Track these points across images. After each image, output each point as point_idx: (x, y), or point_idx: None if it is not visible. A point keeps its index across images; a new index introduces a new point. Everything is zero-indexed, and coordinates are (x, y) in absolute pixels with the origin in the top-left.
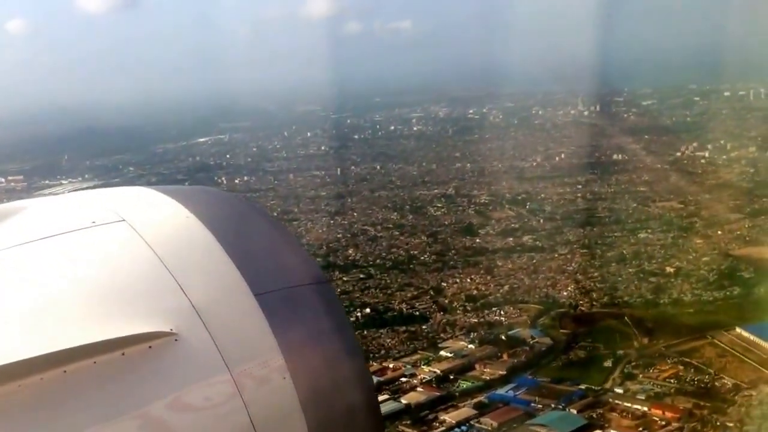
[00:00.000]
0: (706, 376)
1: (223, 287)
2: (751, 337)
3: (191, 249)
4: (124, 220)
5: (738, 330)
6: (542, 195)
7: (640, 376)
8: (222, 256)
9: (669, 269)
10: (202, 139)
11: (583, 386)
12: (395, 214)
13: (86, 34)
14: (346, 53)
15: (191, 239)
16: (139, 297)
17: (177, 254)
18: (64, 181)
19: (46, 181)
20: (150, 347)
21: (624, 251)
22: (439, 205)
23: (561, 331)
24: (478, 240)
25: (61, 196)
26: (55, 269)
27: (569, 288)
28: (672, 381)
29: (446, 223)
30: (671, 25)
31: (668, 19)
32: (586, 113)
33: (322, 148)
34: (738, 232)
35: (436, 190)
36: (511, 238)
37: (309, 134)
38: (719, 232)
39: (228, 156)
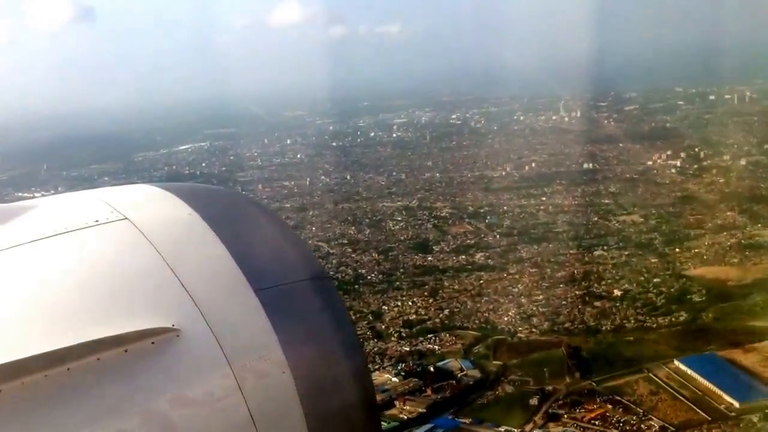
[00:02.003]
0: (634, 417)
1: (223, 283)
2: (689, 371)
3: (192, 246)
4: (126, 218)
5: (676, 363)
6: (504, 208)
7: (565, 416)
8: (223, 252)
9: (617, 292)
10: (183, 147)
11: (502, 429)
12: (353, 228)
13: (71, 42)
14: (338, 57)
15: (192, 236)
16: (142, 294)
17: (178, 251)
18: (36, 194)
19: (18, 194)
20: (152, 343)
21: (575, 271)
22: (399, 218)
23: (493, 362)
24: (429, 258)
25: (64, 195)
26: (59, 267)
27: (511, 312)
28: (597, 423)
29: (402, 238)
30: (663, 26)
31: (660, 21)
32: (566, 119)
33: (298, 156)
34: (696, 250)
35: (399, 203)
36: (463, 256)
37: (289, 141)
38: (677, 250)
39: (204, 164)
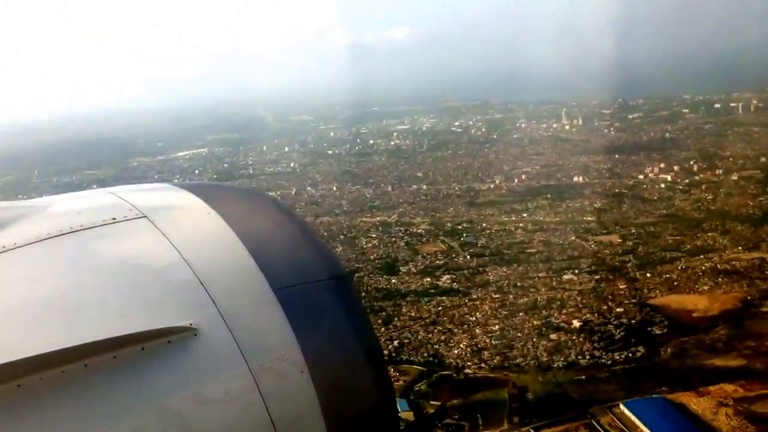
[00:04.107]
0: None
1: (242, 282)
2: (632, 418)
3: (211, 244)
4: (145, 216)
5: (621, 407)
6: (484, 224)
7: None
8: (242, 251)
9: (576, 323)
10: (181, 153)
11: None
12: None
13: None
14: (350, 62)
15: (211, 235)
16: (160, 292)
17: (197, 250)
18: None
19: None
20: (169, 342)
21: (539, 297)
22: (374, 235)
23: (432, 402)
24: (394, 280)
25: (83, 192)
26: (77, 264)
27: (463, 344)
28: None
29: (372, 257)
30: (678, 32)
31: (675, 26)
32: (567, 127)
33: (292, 165)
34: (668, 275)
35: (378, 218)
36: (429, 278)
37: (287, 149)
38: (648, 275)
39: (196, 172)
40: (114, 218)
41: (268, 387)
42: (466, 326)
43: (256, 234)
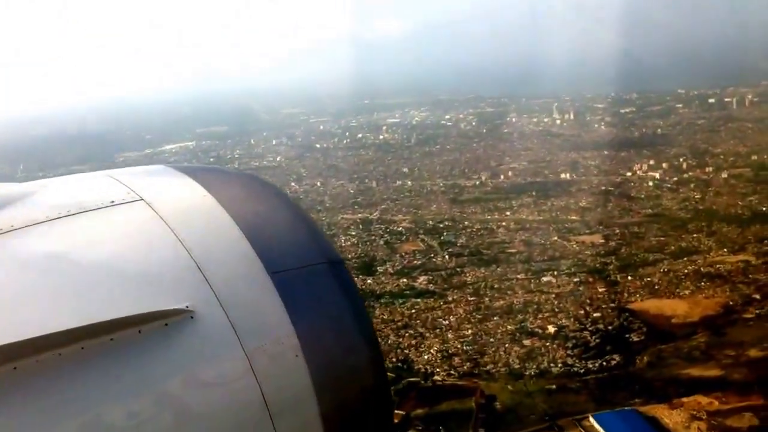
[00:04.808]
0: None
1: (238, 266)
2: (601, 431)
3: (207, 228)
4: (142, 199)
5: (590, 420)
6: (465, 223)
7: None
8: (238, 235)
9: (551, 329)
10: (168, 147)
11: None
12: None
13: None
14: (342, 54)
15: (208, 218)
16: (156, 275)
17: (193, 233)
18: None
19: None
20: (166, 324)
21: (515, 300)
22: (354, 233)
23: (396, 411)
24: (370, 281)
25: (81, 174)
26: (74, 247)
27: (433, 350)
28: None
29: (349, 257)
30: (675, 25)
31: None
32: (558, 121)
33: (278, 159)
34: (649, 279)
35: (360, 214)
36: (405, 279)
37: (274, 142)
38: (629, 278)
39: None
40: (112, 201)
41: (263, 370)
42: (438, 330)
43: (251, 218)
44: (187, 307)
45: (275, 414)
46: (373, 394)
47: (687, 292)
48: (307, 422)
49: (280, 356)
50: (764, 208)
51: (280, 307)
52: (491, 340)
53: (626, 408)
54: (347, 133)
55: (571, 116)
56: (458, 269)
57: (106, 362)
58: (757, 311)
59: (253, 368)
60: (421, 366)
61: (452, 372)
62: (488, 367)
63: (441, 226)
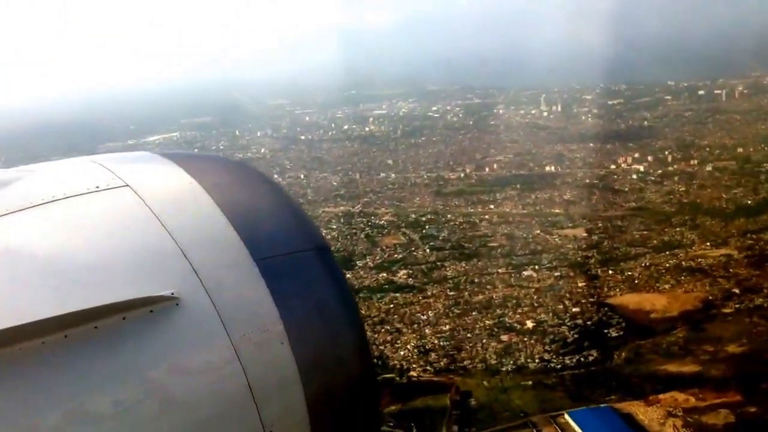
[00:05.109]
0: None
1: (223, 252)
2: (576, 429)
3: (193, 214)
4: (127, 185)
5: (565, 417)
6: (448, 216)
7: None
8: (223, 222)
9: (529, 324)
10: (152, 138)
11: None
12: None
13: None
14: (330, 45)
15: (193, 205)
16: (141, 261)
17: (179, 219)
18: None
19: None
20: (151, 311)
21: (495, 295)
22: (335, 226)
23: None
24: (349, 275)
25: (65, 160)
26: (58, 233)
27: (410, 345)
28: None
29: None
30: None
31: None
32: (546, 113)
33: (262, 151)
34: (630, 273)
35: (342, 207)
36: (385, 273)
37: (259, 134)
38: (610, 272)
39: None
40: (96, 187)
41: (249, 357)
42: (415, 325)
43: (237, 204)
44: (172, 294)
45: (261, 401)
46: (359, 381)
47: (667, 286)
48: (293, 409)
49: (266, 343)
50: (748, 201)
51: (266, 294)
52: (469, 335)
53: (602, 405)
54: (333, 125)
55: (559, 108)
56: (439, 263)
57: (90, 350)
58: (737, 306)
59: (239, 355)
60: (396, 362)
61: (428, 368)
62: (465, 363)
63: (423, 219)
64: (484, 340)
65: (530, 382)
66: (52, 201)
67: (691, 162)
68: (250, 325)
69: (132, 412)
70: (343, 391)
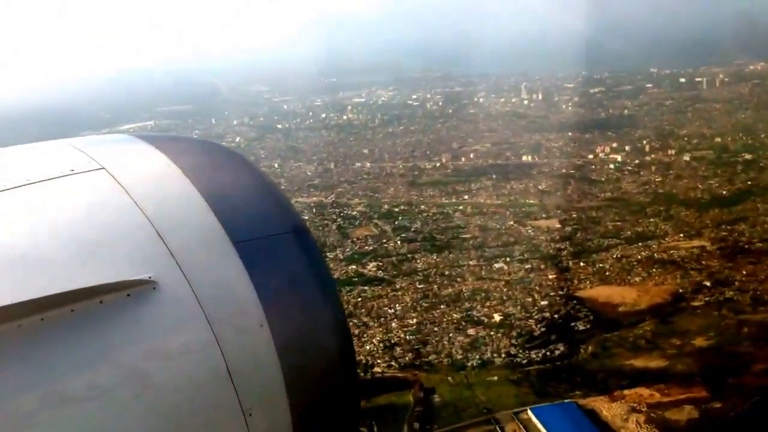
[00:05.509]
0: None
1: (201, 235)
2: (538, 425)
3: (170, 197)
4: (103, 168)
5: (528, 413)
6: (422, 207)
7: None
8: (201, 204)
9: (497, 317)
10: (126, 126)
11: None
12: None
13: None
14: (312, 31)
15: (171, 187)
16: (118, 245)
17: (156, 202)
18: None
19: None
20: (128, 295)
21: (464, 288)
22: (306, 217)
23: None
24: None
25: (40, 143)
26: (34, 216)
27: (376, 339)
28: None
29: None
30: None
31: None
32: (526, 102)
33: (237, 139)
34: (601, 265)
35: (315, 198)
36: (354, 266)
37: (235, 122)
38: (581, 264)
39: None
40: (72, 169)
41: (228, 341)
42: (382, 319)
43: (215, 187)
44: (149, 277)
45: (240, 385)
46: (338, 363)
47: (638, 279)
48: (273, 392)
49: (245, 326)
50: (723, 192)
51: (245, 277)
52: (436, 329)
53: (565, 401)
54: (311, 113)
55: (540, 96)
56: (410, 255)
57: (66, 334)
58: (707, 299)
59: (217, 339)
60: (361, 357)
61: (393, 363)
62: (430, 358)
63: (397, 210)
64: (450, 335)
65: (495, 378)
66: (27, 184)
67: (669, 152)
68: (228, 308)
69: (109, 396)
70: (322, 373)
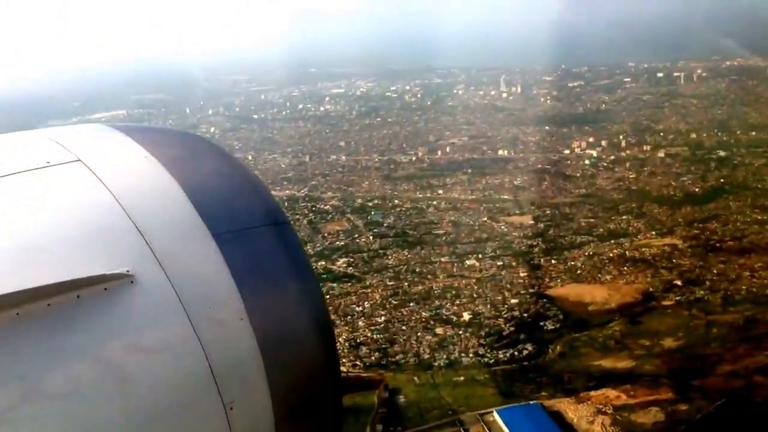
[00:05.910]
0: None
1: (180, 228)
2: (503, 427)
3: (148, 189)
4: (79, 159)
5: (494, 415)
6: (395, 201)
7: None
8: (180, 197)
9: (466, 316)
10: (97, 115)
11: None
12: None
13: None
14: (293, 21)
15: (148, 179)
16: (95, 238)
17: (134, 195)
18: None
19: None
20: (106, 289)
21: (434, 286)
22: None
23: None
24: None
25: (14, 134)
26: (9, 210)
27: (341, 338)
28: None
29: None
30: None
31: None
32: (504, 94)
33: (212, 130)
34: (573, 262)
35: (288, 191)
36: (323, 262)
37: (210, 112)
38: (553, 261)
39: None
40: (47, 162)
41: (208, 335)
42: (349, 318)
43: (194, 178)
44: (127, 271)
45: (220, 378)
46: (320, 356)
47: (609, 277)
48: (254, 386)
49: (225, 320)
50: (696, 189)
51: (225, 270)
52: (403, 327)
53: (531, 402)
54: (288, 104)
55: (518, 89)
56: (381, 251)
57: (43, 328)
58: (677, 298)
59: (197, 333)
60: None
61: (358, 363)
62: (397, 358)
63: (370, 204)
64: (418, 333)
65: (462, 378)
66: (1, 177)
67: (644, 148)
68: (208, 302)
69: (87, 391)
70: (304, 366)
